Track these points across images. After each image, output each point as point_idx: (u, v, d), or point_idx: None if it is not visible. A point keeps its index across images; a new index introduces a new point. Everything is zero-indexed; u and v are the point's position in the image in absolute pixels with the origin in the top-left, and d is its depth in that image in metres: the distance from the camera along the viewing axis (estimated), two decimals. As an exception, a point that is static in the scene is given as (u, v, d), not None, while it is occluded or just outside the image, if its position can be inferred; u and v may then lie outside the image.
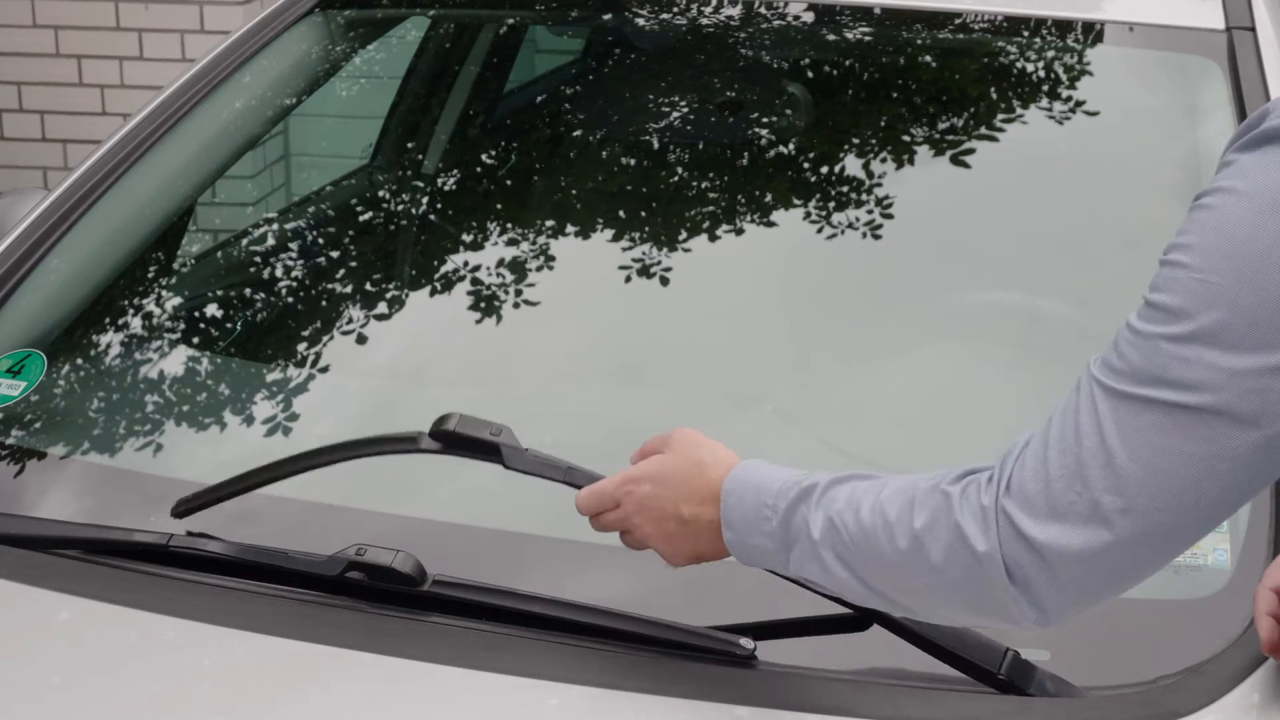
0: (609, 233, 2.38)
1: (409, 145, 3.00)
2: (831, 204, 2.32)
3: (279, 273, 2.48)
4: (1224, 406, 1.14)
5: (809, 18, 2.64)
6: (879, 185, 2.33)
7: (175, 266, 2.47)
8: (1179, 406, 1.15)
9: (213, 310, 2.37)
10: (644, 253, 2.26)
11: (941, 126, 2.47)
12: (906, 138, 2.45)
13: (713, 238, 2.33)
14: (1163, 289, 1.18)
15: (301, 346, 2.24)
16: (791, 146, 2.56)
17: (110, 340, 2.22)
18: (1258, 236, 1.12)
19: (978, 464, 1.29)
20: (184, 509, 1.76)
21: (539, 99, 3.10)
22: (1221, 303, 1.13)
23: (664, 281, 2.21)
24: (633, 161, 2.60)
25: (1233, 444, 1.15)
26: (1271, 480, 1.19)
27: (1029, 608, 1.24)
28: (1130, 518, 1.18)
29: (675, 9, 2.71)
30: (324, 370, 2.15)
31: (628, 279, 2.21)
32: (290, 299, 2.39)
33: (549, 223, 2.45)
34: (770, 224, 2.36)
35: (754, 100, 2.63)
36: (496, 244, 2.40)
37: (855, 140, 2.50)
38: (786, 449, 1.95)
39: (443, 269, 2.35)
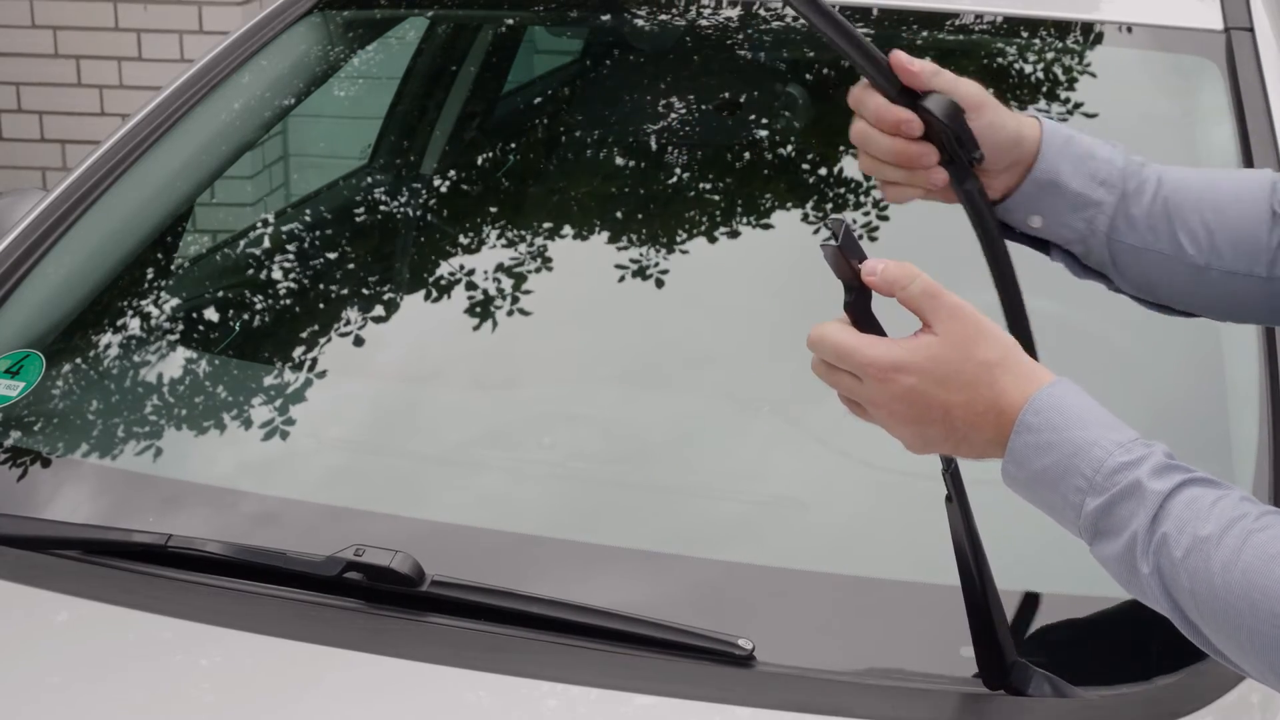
0: (607, 234, 2.37)
1: (407, 146, 3.00)
2: (829, 205, 2.32)
3: (278, 274, 2.48)
4: None
5: (808, 18, 2.64)
6: (876, 186, 2.33)
7: (174, 267, 2.47)
8: None
9: (211, 311, 2.37)
10: (642, 254, 2.26)
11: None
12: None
13: (711, 239, 2.33)
14: None
15: (300, 348, 2.24)
16: (790, 147, 2.56)
17: (109, 341, 2.22)
18: None
19: None
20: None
21: (537, 100, 3.10)
22: None
23: (661, 283, 2.21)
24: (631, 163, 2.60)
25: None
26: None
27: None
28: None
29: (674, 10, 2.71)
30: (323, 372, 2.15)
31: (625, 281, 2.21)
32: (289, 300, 2.39)
33: (548, 224, 2.45)
34: (769, 225, 2.36)
35: (752, 101, 2.63)
36: (495, 245, 2.40)
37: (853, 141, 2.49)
38: (787, 449, 1.95)
39: (442, 270, 2.35)
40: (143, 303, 2.31)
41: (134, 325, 2.25)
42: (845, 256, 1.28)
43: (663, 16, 2.71)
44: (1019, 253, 2.26)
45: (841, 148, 2.49)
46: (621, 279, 2.21)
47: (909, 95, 1.36)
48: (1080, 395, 1.22)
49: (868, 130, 1.38)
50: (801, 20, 1.38)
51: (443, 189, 2.77)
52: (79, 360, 2.16)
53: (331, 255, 2.55)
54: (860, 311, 1.29)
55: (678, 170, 2.54)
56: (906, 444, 1.27)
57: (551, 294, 2.24)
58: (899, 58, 1.35)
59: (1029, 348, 1.46)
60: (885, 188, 1.42)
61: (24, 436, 1.99)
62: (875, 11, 2.59)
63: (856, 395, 1.27)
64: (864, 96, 1.38)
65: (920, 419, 1.23)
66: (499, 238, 2.42)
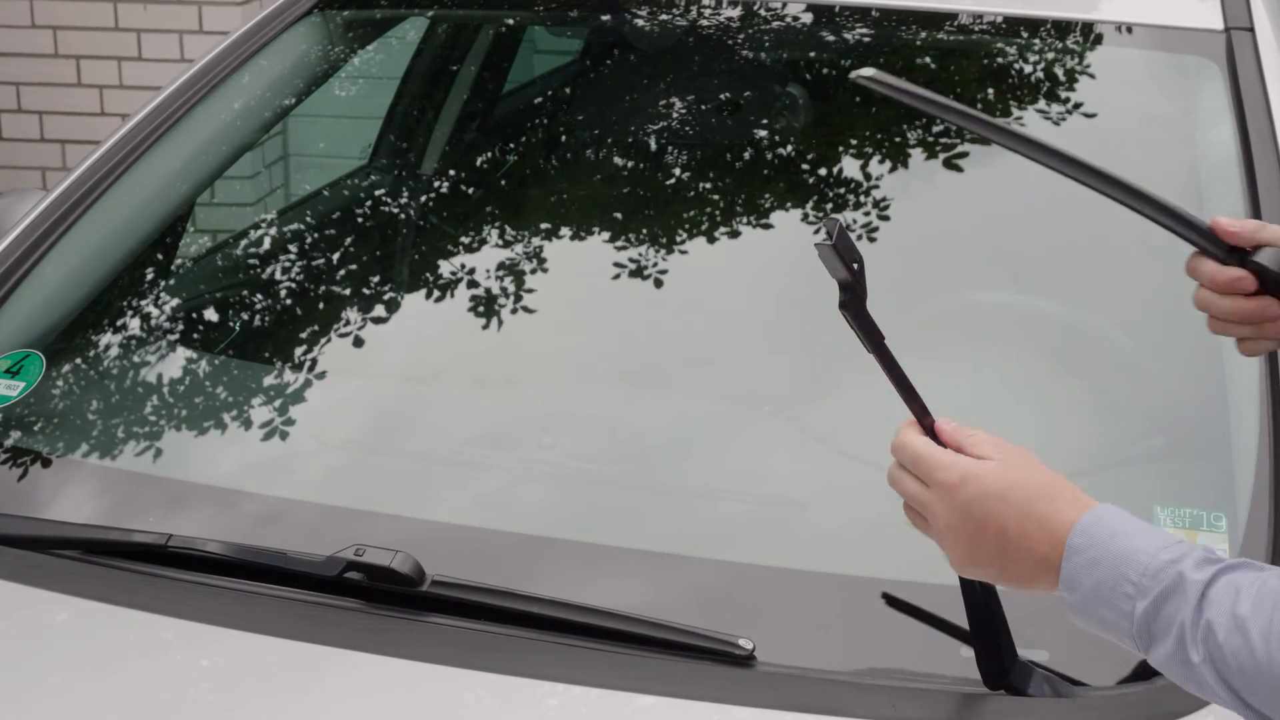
0: (607, 234, 2.37)
1: (407, 146, 3.00)
2: (829, 205, 2.32)
3: (278, 274, 2.48)
4: None
5: (808, 19, 2.64)
6: (877, 187, 2.33)
7: (174, 267, 2.47)
8: None
9: (211, 311, 2.37)
10: (642, 255, 2.26)
11: (939, 128, 2.47)
12: (904, 139, 2.45)
13: (712, 239, 2.33)
14: None
15: (300, 348, 2.24)
16: (790, 148, 2.56)
17: (109, 341, 2.22)
18: None
19: None
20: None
21: (538, 100, 3.10)
22: None
23: (662, 283, 2.21)
24: (631, 163, 2.60)
25: None
26: None
27: None
28: None
29: (674, 10, 2.71)
30: (323, 372, 2.15)
31: (626, 281, 2.21)
32: (289, 300, 2.39)
33: (548, 224, 2.45)
34: (769, 225, 2.36)
35: (752, 101, 2.63)
36: (495, 245, 2.40)
37: (853, 141, 2.50)
38: (787, 450, 1.95)
39: (442, 270, 2.35)
40: (143, 303, 2.31)
41: (134, 325, 2.25)
42: (840, 255, 1.28)
43: (663, 16, 2.71)
44: (1021, 253, 2.26)
45: (841, 148, 2.49)
46: (619, 278, 2.21)
47: (1237, 253, 1.43)
48: (1120, 512, 1.27)
49: (1207, 295, 1.45)
50: (1121, 202, 1.45)
51: (443, 189, 2.77)
52: (79, 360, 2.16)
53: (332, 255, 2.55)
54: (855, 312, 1.32)
55: (678, 171, 2.54)
56: (955, 560, 1.33)
57: (552, 294, 2.24)
58: (1219, 222, 1.43)
59: None
60: (1240, 345, 1.48)
61: (24, 436, 1.99)
62: (876, 12, 2.59)
63: (921, 502, 1.33)
64: (1197, 265, 1.45)
65: (975, 534, 1.29)
66: (499, 238, 2.42)
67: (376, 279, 2.43)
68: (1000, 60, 2.56)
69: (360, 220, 2.71)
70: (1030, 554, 1.27)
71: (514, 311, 2.19)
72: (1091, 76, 2.50)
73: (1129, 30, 2.50)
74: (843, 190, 2.35)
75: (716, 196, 2.44)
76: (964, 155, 2.39)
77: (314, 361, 2.18)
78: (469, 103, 2.99)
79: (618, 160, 2.61)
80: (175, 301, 2.35)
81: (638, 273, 2.22)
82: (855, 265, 1.30)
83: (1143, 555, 1.21)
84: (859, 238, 2.23)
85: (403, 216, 2.67)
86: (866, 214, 2.27)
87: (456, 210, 2.60)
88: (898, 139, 2.46)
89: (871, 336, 1.36)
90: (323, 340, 2.23)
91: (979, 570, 1.32)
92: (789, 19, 2.66)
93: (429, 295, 2.31)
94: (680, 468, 1.94)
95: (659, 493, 1.90)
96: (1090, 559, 1.23)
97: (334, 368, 2.16)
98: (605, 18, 2.75)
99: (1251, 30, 2.37)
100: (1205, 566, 1.20)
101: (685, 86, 2.67)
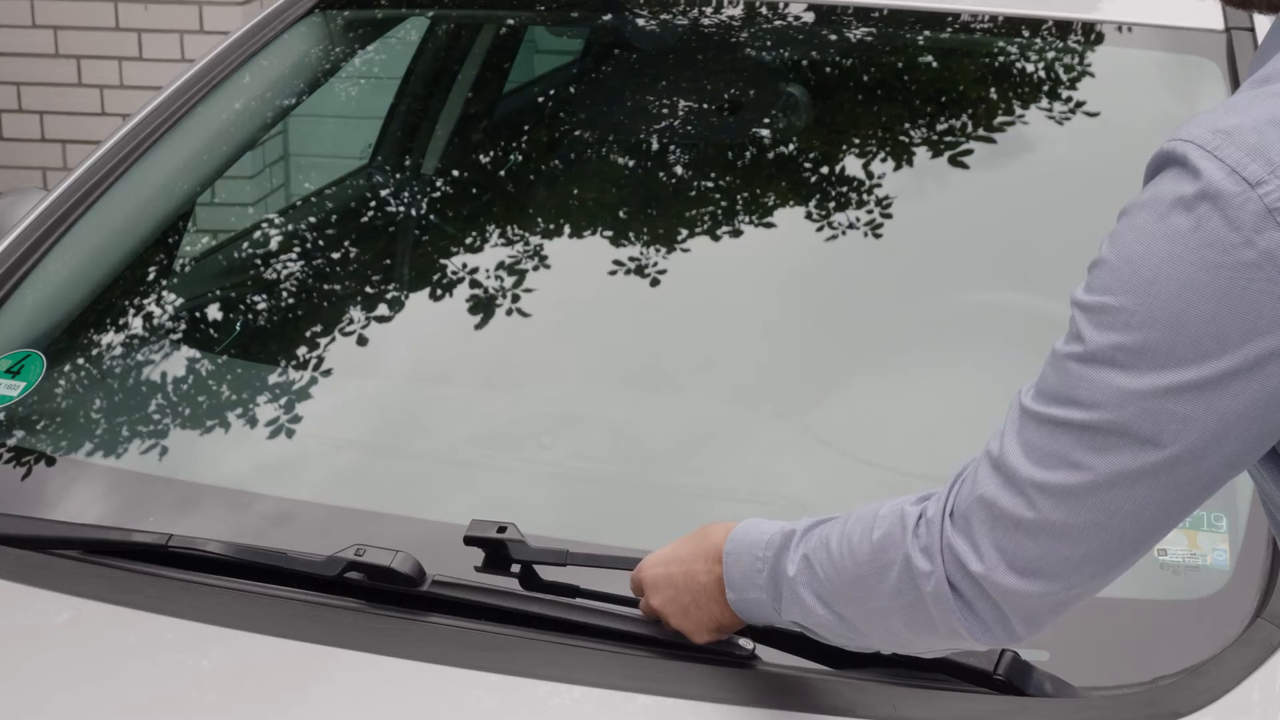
0: (609, 234, 2.38)
1: (408, 146, 3.00)
2: (831, 204, 2.32)
3: (278, 274, 2.48)
4: (1123, 426, 1.13)
5: (809, 18, 2.64)
6: (879, 186, 2.33)
7: (174, 267, 2.47)
8: (1080, 425, 1.15)
9: (212, 311, 2.37)
10: (643, 255, 2.26)
11: (941, 127, 2.47)
12: (906, 138, 2.45)
13: (713, 239, 2.33)
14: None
15: (301, 347, 2.24)
16: (791, 147, 2.56)
17: (109, 341, 2.22)
18: (1148, 259, 1.12)
19: (944, 482, 1.28)
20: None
21: (539, 99, 3.10)
22: (1118, 325, 1.13)
23: (665, 284, 2.22)
24: (632, 163, 2.60)
25: (1137, 464, 1.14)
26: (1191, 505, 1.18)
27: (983, 633, 1.24)
28: (1054, 541, 1.18)
29: (675, 9, 2.71)
30: (324, 372, 2.15)
31: (629, 282, 2.21)
32: (290, 300, 2.39)
33: (549, 224, 2.45)
34: (770, 225, 2.36)
35: (753, 101, 2.63)
36: (497, 245, 2.40)
37: (855, 141, 2.50)
38: (789, 450, 1.95)
39: (443, 270, 2.35)
40: (143, 303, 2.31)
41: (134, 325, 2.25)
42: (480, 539, 1.61)
43: (664, 16, 2.71)
44: (1024, 252, 2.26)
45: (844, 146, 2.49)
46: (621, 278, 2.21)
47: None
48: (764, 519, 1.43)
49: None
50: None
51: (444, 189, 2.77)
52: (80, 360, 2.16)
53: (332, 255, 2.55)
54: (498, 562, 1.60)
55: (679, 171, 2.54)
56: (688, 631, 1.49)
57: (554, 294, 2.24)
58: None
59: None
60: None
61: (25, 436, 1.99)
62: (877, 12, 2.59)
63: (649, 608, 1.52)
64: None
65: (678, 596, 1.47)
66: (501, 238, 2.42)
67: (378, 279, 2.43)
68: (1001, 60, 2.57)
69: (362, 220, 2.71)
70: (716, 584, 1.43)
71: (513, 312, 2.19)
72: (1092, 76, 2.50)
73: (1129, 30, 2.50)
74: (844, 189, 2.35)
75: (718, 196, 2.44)
76: (969, 153, 2.39)
77: (315, 362, 2.18)
78: (470, 103, 2.99)
79: (619, 160, 2.61)
80: (176, 301, 2.35)
81: (640, 273, 2.22)
82: (501, 529, 1.58)
83: (765, 535, 1.40)
84: (863, 235, 2.23)
85: (404, 216, 2.67)
86: (869, 213, 2.27)
87: (458, 210, 2.60)
88: (902, 138, 2.46)
89: (556, 560, 1.58)
90: (324, 340, 2.23)
91: (706, 624, 1.47)
92: (790, 18, 2.66)
93: (431, 296, 2.31)
94: (683, 468, 1.94)
95: (662, 493, 1.90)
96: (736, 555, 1.41)
97: (336, 368, 2.16)
98: (606, 17, 2.75)
99: (1252, 30, 2.37)
100: (810, 521, 1.37)
101: (686, 86, 2.67)
